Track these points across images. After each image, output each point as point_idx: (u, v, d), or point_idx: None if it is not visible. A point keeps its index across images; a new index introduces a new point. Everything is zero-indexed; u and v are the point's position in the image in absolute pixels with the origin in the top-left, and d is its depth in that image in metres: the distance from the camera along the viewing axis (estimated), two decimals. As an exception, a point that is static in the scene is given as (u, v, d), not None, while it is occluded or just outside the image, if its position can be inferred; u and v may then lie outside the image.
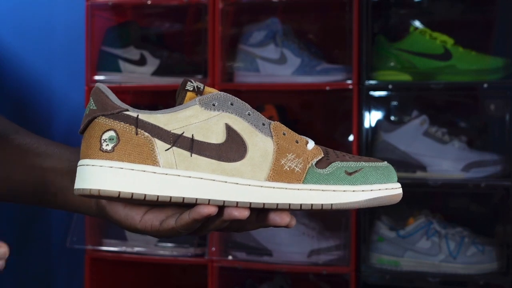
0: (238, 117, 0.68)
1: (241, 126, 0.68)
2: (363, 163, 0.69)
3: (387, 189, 0.69)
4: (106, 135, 0.65)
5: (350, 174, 0.68)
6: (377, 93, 1.90)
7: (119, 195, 0.64)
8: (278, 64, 1.94)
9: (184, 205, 0.67)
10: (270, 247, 1.88)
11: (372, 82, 1.84)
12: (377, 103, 1.97)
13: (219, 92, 0.68)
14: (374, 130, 1.91)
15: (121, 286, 2.16)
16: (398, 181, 0.73)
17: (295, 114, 2.10)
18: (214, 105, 0.67)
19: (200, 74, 1.98)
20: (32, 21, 2.39)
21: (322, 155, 0.70)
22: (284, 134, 0.70)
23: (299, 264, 1.88)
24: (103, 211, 0.71)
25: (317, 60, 1.93)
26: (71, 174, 0.73)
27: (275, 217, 0.67)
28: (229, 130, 0.67)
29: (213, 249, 1.91)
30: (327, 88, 1.89)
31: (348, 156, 0.70)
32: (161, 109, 0.69)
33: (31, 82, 2.40)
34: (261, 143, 0.68)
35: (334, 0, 1.95)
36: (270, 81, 1.94)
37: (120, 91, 2.10)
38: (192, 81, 0.68)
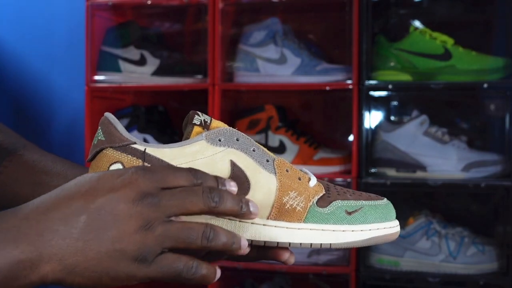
0: (243, 153, 0.68)
1: (246, 163, 0.68)
2: (363, 201, 0.70)
3: (385, 228, 0.70)
4: (113, 167, 0.67)
5: (349, 213, 0.69)
6: (377, 93, 1.90)
7: None
8: (278, 64, 1.94)
9: None
10: (270, 247, 1.88)
11: (372, 82, 1.84)
12: (377, 103, 1.97)
13: (225, 128, 0.69)
14: (374, 130, 1.91)
15: (121, 286, 2.16)
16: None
17: (295, 114, 2.10)
18: (220, 140, 0.68)
19: (200, 74, 1.98)
20: (32, 21, 2.39)
21: (324, 192, 0.70)
22: (287, 171, 0.70)
23: (299, 264, 1.88)
24: None
25: (317, 60, 1.93)
26: None
27: (274, 254, 0.69)
28: (234, 166, 0.68)
29: (213, 249, 1.91)
30: (327, 88, 1.89)
31: (349, 193, 0.71)
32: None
33: (31, 82, 2.40)
34: (264, 180, 0.68)
35: (334, 0, 1.95)
36: (270, 81, 1.94)
37: (120, 91, 2.10)
38: (200, 114, 0.69)
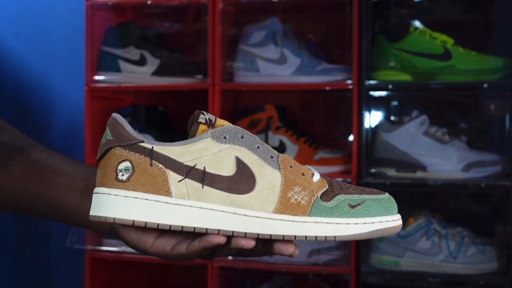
0: (248, 150, 0.70)
1: (251, 159, 0.70)
2: (366, 195, 0.72)
3: (388, 221, 0.72)
4: (121, 166, 0.69)
5: (353, 207, 0.71)
6: (377, 93, 1.90)
7: (133, 223, 0.68)
8: (278, 64, 1.94)
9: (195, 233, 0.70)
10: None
11: (372, 82, 1.84)
12: (377, 103, 1.97)
13: (230, 125, 0.71)
14: (374, 130, 1.91)
15: (121, 286, 2.16)
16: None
17: (295, 114, 2.10)
18: (225, 137, 0.70)
19: (200, 74, 1.98)
20: (32, 21, 2.39)
21: (327, 187, 0.72)
22: (291, 166, 0.72)
23: (299, 264, 1.88)
24: (116, 232, 0.73)
25: (317, 60, 1.93)
26: (86, 192, 0.76)
27: (280, 247, 0.70)
28: (239, 163, 0.70)
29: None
30: (327, 88, 1.89)
31: (351, 188, 0.73)
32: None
33: (31, 83, 2.40)
34: (269, 176, 0.70)
35: (334, 0, 1.95)
36: (270, 81, 1.94)
37: (120, 91, 2.10)
38: (205, 113, 0.71)
